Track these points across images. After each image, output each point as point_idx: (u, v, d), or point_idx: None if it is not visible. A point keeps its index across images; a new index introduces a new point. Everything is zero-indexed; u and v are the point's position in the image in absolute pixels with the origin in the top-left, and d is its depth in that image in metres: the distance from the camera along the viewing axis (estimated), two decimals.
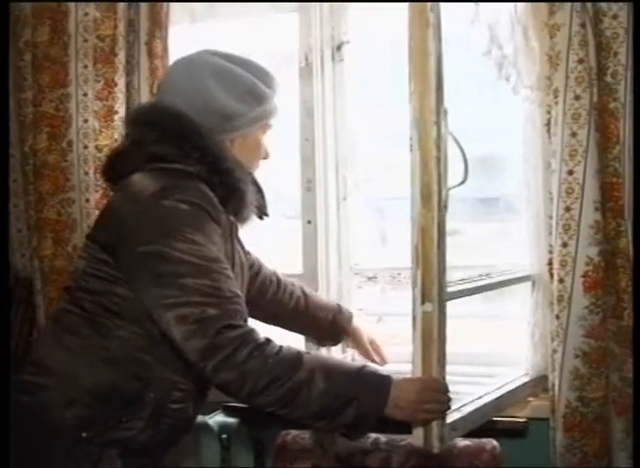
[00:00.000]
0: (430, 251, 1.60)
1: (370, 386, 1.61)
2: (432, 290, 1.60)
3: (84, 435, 1.62)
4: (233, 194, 1.71)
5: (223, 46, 2.26)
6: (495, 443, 2.01)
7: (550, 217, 1.94)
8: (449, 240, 2.56)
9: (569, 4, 1.86)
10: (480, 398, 1.95)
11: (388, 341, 2.22)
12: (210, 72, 1.74)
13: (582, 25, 1.86)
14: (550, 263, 1.95)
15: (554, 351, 1.93)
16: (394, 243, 2.54)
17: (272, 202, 2.53)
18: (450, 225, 2.55)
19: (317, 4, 2.28)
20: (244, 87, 1.75)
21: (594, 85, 1.88)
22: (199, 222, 1.62)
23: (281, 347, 1.60)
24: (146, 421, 1.66)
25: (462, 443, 2.02)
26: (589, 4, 1.87)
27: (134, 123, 1.79)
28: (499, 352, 2.24)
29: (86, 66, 2.27)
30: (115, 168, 1.77)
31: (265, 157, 1.86)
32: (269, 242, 2.52)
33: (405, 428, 1.70)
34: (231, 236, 1.77)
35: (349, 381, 1.60)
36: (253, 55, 2.19)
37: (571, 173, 1.89)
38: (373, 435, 2.08)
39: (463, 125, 2.30)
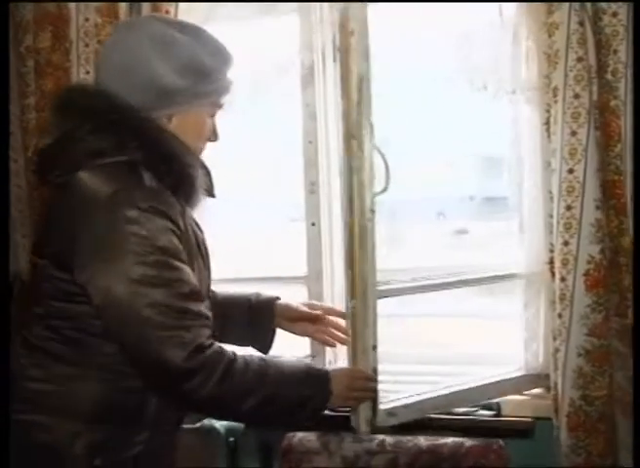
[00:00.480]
0: (356, 252, 1.80)
1: (319, 384, 1.69)
2: (358, 288, 1.80)
3: (97, 462, 1.56)
4: (183, 181, 1.59)
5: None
6: (501, 442, 2.01)
7: (550, 216, 1.94)
8: (457, 240, 2.57)
9: (567, 4, 1.86)
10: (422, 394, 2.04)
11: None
12: (148, 40, 1.60)
13: (581, 23, 1.86)
14: (551, 262, 1.95)
15: (557, 350, 1.93)
16: (403, 244, 2.54)
17: (276, 205, 2.58)
18: (458, 225, 2.57)
19: (317, 4, 2.28)
20: (184, 59, 1.60)
21: (594, 83, 1.88)
22: (161, 233, 1.51)
23: (246, 361, 1.60)
24: (151, 431, 1.62)
25: (469, 443, 2.02)
26: (588, 2, 1.86)
27: (62, 111, 1.63)
28: (492, 351, 2.26)
29: (88, 72, 2.27)
30: (50, 165, 1.61)
31: (213, 139, 1.73)
32: (274, 244, 2.53)
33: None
34: (186, 222, 1.62)
35: (304, 383, 1.67)
36: (254, 57, 2.25)
37: (571, 171, 1.88)
38: (379, 436, 2.08)
39: (463, 126, 2.34)
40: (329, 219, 2.31)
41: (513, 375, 2.12)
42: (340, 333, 1.96)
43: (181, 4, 2.27)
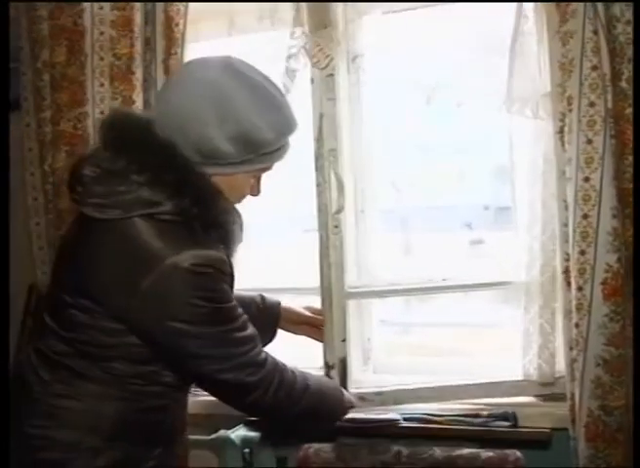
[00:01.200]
0: (322, 261, 2.24)
1: (337, 393, 1.99)
2: (327, 290, 2.23)
3: None
4: (227, 236, 1.66)
5: None
6: (518, 454, 2.00)
7: (565, 225, 1.93)
8: (473, 250, 2.56)
9: (581, 12, 1.85)
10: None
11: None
12: (210, 95, 1.59)
13: (595, 32, 1.86)
14: (567, 271, 1.93)
15: (574, 360, 1.91)
16: (418, 253, 2.54)
17: (291, 216, 2.58)
18: (474, 236, 2.56)
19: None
20: (241, 127, 1.59)
21: (608, 91, 1.87)
22: (214, 285, 1.62)
23: (292, 370, 1.80)
24: (164, 447, 1.71)
25: (485, 454, 2.01)
26: (602, 10, 1.86)
27: (116, 145, 1.63)
28: (494, 358, 2.32)
29: (102, 85, 2.29)
30: (96, 196, 1.62)
31: (254, 194, 1.77)
32: (287, 255, 2.54)
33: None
34: (231, 267, 1.71)
35: (331, 394, 1.96)
36: (268, 68, 2.25)
37: (587, 180, 1.88)
38: (395, 447, 2.08)
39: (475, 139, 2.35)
40: (343, 229, 2.31)
41: (504, 380, 2.15)
42: None
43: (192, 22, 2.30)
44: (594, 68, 1.87)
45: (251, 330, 1.70)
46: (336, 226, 2.21)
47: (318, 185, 2.21)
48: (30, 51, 2.40)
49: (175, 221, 1.59)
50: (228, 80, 1.61)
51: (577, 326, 1.90)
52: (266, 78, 1.67)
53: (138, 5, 2.30)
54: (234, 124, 1.58)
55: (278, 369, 1.75)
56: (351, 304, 2.28)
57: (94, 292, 1.60)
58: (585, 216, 1.88)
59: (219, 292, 1.63)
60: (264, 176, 1.77)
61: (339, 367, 2.23)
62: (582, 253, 1.88)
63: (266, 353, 1.75)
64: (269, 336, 2.04)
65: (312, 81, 2.21)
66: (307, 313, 2.17)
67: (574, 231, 1.89)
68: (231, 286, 1.69)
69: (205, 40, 2.38)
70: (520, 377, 2.11)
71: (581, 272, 1.88)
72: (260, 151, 1.63)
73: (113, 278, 1.59)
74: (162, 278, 1.55)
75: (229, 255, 1.68)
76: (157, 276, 1.55)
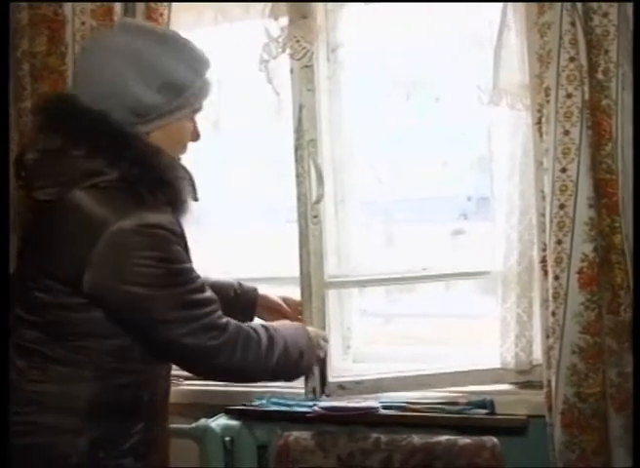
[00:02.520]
0: (301, 249, 2.23)
1: (306, 335, 1.92)
2: (305, 280, 2.22)
3: (101, 455, 1.63)
4: (174, 194, 1.66)
5: (220, 51, 2.32)
6: (495, 440, 2.03)
7: (543, 215, 1.95)
8: (454, 240, 2.57)
9: (559, 4, 1.87)
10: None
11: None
12: (122, 58, 1.63)
13: (572, 24, 1.88)
14: (544, 261, 1.96)
15: (550, 348, 1.94)
16: (399, 244, 2.56)
17: (273, 206, 2.59)
18: (455, 226, 2.58)
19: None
20: (161, 75, 1.65)
21: (585, 83, 1.89)
22: (165, 245, 1.61)
23: (253, 328, 1.77)
24: (145, 421, 1.69)
25: (463, 441, 2.04)
26: (579, 2, 1.88)
27: (51, 126, 1.66)
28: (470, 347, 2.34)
29: None
30: (40, 180, 1.65)
31: (195, 140, 1.80)
32: (269, 245, 2.55)
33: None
34: (181, 228, 1.70)
35: (298, 336, 1.88)
36: (247, 59, 2.26)
37: (564, 170, 1.90)
38: (374, 435, 2.09)
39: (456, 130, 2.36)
40: (323, 219, 2.31)
41: (484, 368, 2.18)
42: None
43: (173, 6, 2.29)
44: (572, 60, 1.89)
45: (209, 293, 1.69)
46: (315, 216, 2.21)
47: (298, 176, 2.21)
48: (10, 40, 2.39)
49: (119, 188, 1.61)
50: (133, 37, 1.66)
51: (553, 314, 1.92)
52: (164, 28, 1.79)
53: None
54: (154, 74, 1.64)
55: (242, 330, 1.72)
56: (331, 294, 2.29)
57: (51, 269, 1.61)
58: (562, 207, 1.90)
59: (170, 253, 1.61)
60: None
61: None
62: (559, 242, 1.90)
63: (227, 317, 1.72)
64: (246, 321, 2.03)
65: (292, 71, 2.20)
66: (281, 302, 2.17)
67: (550, 221, 1.91)
68: (185, 247, 1.68)
69: (190, 29, 2.36)
70: (498, 365, 2.14)
71: (558, 261, 1.91)
72: (185, 93, 1.68)
73: (65, 253, 1.61)
74: (109, 244, 1.56)
75: (181, 215, 1.68)
76: (104, 243, 1.56)
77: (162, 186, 1.63)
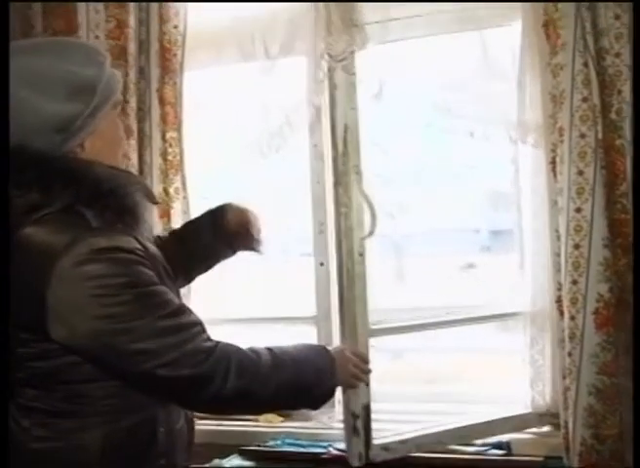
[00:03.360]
0: (344, 294, 1.93)
1: (326, 358, 1.71)
2: (347, 327, 1.94)
3: None
4: (123, 208, 1.52)
5: (233, 91, 2.35)
6: None
7: (557, 255, 1.95)
8: (464, 274, 2.56)
9: (571, 45, 1.88)
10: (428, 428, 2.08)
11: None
12: (18, 80, 1.49)
13: (585, 64, 1.89)
14: (559, 301, 1.95)
15: (567, 388, 1.93)
16: (412, 280, 2.55)
17: (286, 241, 2.59)
18: (465, 259, 2.58)
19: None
20: (63, 83, 1.50)
21: (599, 123, 1.89)
22: (125, 268, 1.47)
23: (253, 350, 1.60)
24: (166, 457, 1.59)
25: None
26: (591, 43, 1.89)
27: None
28: (498, 389, 2.28)
29: (97, 37, 2.29)
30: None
31: (128, 133, 1.74)
32: (284, 283, 2.55)
33: None
34: (144, 244, 1.55)
35: (314, 360, 1.69)
36: (261, 99, 2.28)
37: (579, 210, 1.90)
38: None
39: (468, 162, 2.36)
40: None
41: (518, 413, 2.12)
42: None
43: (187, 45, 2.31)
44: (585, 100, 1.90)
45: (190, 316, 1.53)
46: (360, 254, 1.94)
47: (341, 206, 1.93)
48: None
49: (62, 216, 1.48)
50: (19, 58, 1.52)
51: (569, 355, 1.91)
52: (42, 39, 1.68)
53: (132, 34, 2.32)
54: (55, 84, 1.50)
55: (233, 351, 1.56)
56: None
57: (17, 319, 1.50)
58: (577, 247, 1.90)
59: (132, 276, 1.46)
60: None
61: (363, 415, 1.96)
62: (574, 282, 1.90)
63: (216, 340, 1.56)
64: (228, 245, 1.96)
65: (335, 87, 1.95)
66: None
67: (566, 261, 1.91)
68: (154, 266, 1.53)
69: (195, 69, 2.39)
70: (528, 409, 2.11)
71: (573, 302, 1.90)
72: (96, 90, 1.54)
73: (24, 298, 1.48)
74: (61, 279, 1.43)
75: (138, 224, 1.54)
76: (56, 279, 1.43)
77: (106, 202, 1.49)
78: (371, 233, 1.94)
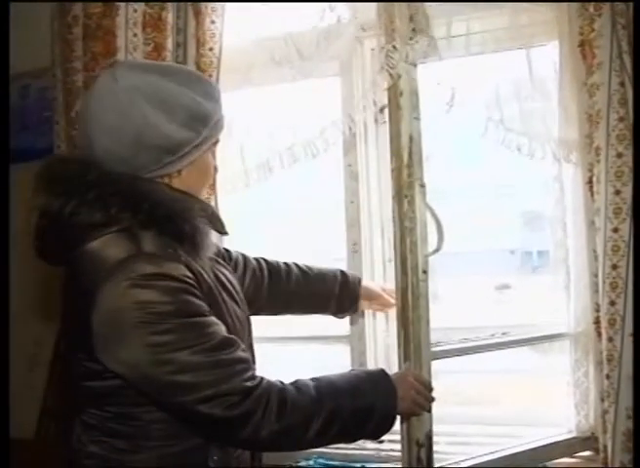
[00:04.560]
0: (408, 313, 1.77)
1: (381, 386, 1.64)
2: (411, 349, 1.77)
3: None
4: (184, 237, 1.52)
5: (269, 111, 2.36)
6: None
7: (595, 276, 1.93)
8: (499, 295, 2.54)
9: (607, 64, 1.88)
10: (484, 455, 1.98)
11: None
12: (141, 96, 1.53)
13: (622, 84, 1.88)
14: (597, 322, 1.93)
15: (605, 412, 1.90)
16: (443, 300, 2.54)
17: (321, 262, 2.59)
18: (499, 280, 2.56)
19: (360, 68, 2.33)
20: (185, 109, 1.56)
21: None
22: (170, 296, 1.45)
23: (297, 386, 1.57)
24: None
25: None
26: (628, 62, 1.87)
27: (48, 188, 1.54)
28: (541, 412, 2.22)
29: (135, 34, 2.32)
30: (53, 246, 1.57)
31: (215, 173, 1.74)
32: None
33: None
34: (196, 270, 1.54)
35: (366, 389, 1.62)
36: (296, 119, 2.29)
37: (616, 230, 1.88)
38: None
39: (503, 182, 2.35)
40: (371, 279, 2.32)
41: (565, 437, 2.07)
42: None
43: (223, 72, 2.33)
44: (621, 119, 1.89)
45: (235, 353, 1.50)
46: (424, 271, 1.80)
47: (409, 221, 1.79)
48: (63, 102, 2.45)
49: (114, 237, 1.49)
50: (142, 75, 1.56)
51: (607, 377, 1.89)
52: (165, 63, 1.77)
53: (169, 57, 2.34)
54: (177, 109, 1.55)
55: (275, 393, 1.51)
56: (380, 351, 2.28)
57: (73, 337, 1.56)
58: (615, 267, 1.88)
59: (177, 304, 1.45)
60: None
61: (426, 444, 1.81)
62: (612, 303, 1.88)
63: (260, 378, 1.53)
64: (350, 312, 2.12)
65: (401, 94, 1.81)
66: (384, 294, 2.13)
67: (603, 282, 1.89)
68: (206, 296, 1.52)
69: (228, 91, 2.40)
70: (573, 433, 2.08)
71: (611, 323, 1.88)
72: (210, 123, 1.60)
73: (75, 315, 1.52)
74: (105, 304, 1.44)
75: (197, 256, 1.54)
76: (100, 303, 1.44)
77: (162, 227, 1.50)
78: (437, 250, 1.81)
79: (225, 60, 2.31)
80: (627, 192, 1.87)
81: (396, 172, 1.80)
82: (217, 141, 1.68)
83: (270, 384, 1.53)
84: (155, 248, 1.48)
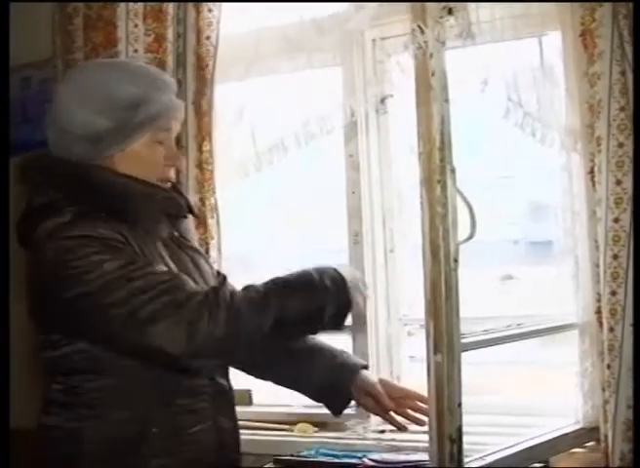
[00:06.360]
0: (439, 303, 1.64)
1: (331, 287, 1.58)
2: (443, 341, 1.63)
3: None
4: (120, 220, 1.58)
5: (267, 102, 2.36)
6: None
7: (597, 266, 1.92)
8: (503, 285, 2.55)
9: (608, 54, 1.87)
10: (510, 447, 1.89)
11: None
12: (66, 89, 1.64)
13: (622, 73, 1.87)
14: (599, 312, 1.93)
15: (606, 402, 1.90)
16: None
17: (322, 254, 2.60)
18: (503, 270, 2.55)
19: (360, 59, 2.33)
20: (104, 98, 1.60)
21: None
22: (102, 247, 1.52)
23: (246, 290, 1.54)
24: (161, 456, 1.59)
25: None
26: (629, 52, 1.87)
27: (17, 179, 1.68)
28: (547, 402, 2.21)
29: (136, 25, 2.33)
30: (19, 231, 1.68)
31: (171, 163, 1.69)
32: None
33: None
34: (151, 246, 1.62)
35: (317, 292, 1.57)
36: (297, 110, 2.29)
37: (617, 220, 1.87)
38: None
39: (506, 172, 2.35)
40: (373, 269, 2.33)
41: (573, 428, 2.05)
42: (418, 415, 1.82)
43: (223, 63, 2.33)
44: (622, 109, 1.87)
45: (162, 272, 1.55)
46: (455, 260, 1.66)
47: (441, 206, 1.65)
48: None
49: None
50: (79, 73, 1.74)
51: (608, 367, 1.88)
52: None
53: (170, 48, 2.34)
54: (100, 99, 1.59)
55: (220, 293, 1.51)
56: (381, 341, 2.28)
57: (29, 310, 1.63)
58: (615, 257, 1.87)
59: (98, 255, 1.51)
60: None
61: (457, 438, 1.68)
62: (613, 293, 1.87)
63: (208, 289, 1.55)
64: (341, 400, 1.85)
65: (433, 74, 1.66)
66: (380, 389, 1.82)
67: (604, 272, 1.89)
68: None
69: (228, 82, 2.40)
70: (580, 424, 2.04)
71: (612, 313, 1.87)
72: (136, 111, 1.60)
73: (28, 287, 1.63)
74: (36, 270, 1.58)
75: (144, 231, 1.61)
76: (35, 273, 1.59)
77: (114, 212, 1.58)
78: (470, 237, 1.70)
79: (227, 50, 2.31)
80: (628, 182, 1.86)
81: (426, 155, 1.66)
82: (163, 129, 1.65)
83: (215, 291, 1.52)
84: (83, 222, 1.55)
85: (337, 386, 1.81)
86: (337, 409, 1.86)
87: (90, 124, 1.59)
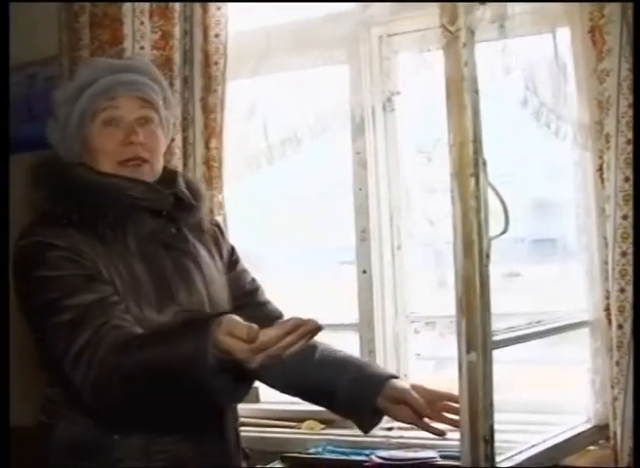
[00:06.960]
0: (473, 300, 1.55)
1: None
2: (476, 339, 1.55)
3: None
4: (97, 217, 1.58)
5: (276, 99, 2.36)
6: None
7: (606, 263, 1.92)
8: (508, 283, 2.54)
9: (617, 51, 1.87)
10: (534, 446, 1.85)
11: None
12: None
13: (631, 70, 1.86)
14: (608, 309, 1.93)
15: (615, 399, 1.90)
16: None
17: (327, 249, 2.60)
18: (508, 268, 2.55)
19: (367, 56, 2.33)
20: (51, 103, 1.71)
21: None
22: (42, 259, 1.53)
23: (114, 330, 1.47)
24: (126, 460, 1.54)
25: None
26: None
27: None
28: (559, 399, 2.20)
29: (142, 22, 2.33)
30: None
31: (130, 141, 1.62)
32: (325, 290, 2.55)
33: None
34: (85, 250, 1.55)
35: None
36: (305, 107, 2.29)
37: (625, 217, 1.87)
38: None
39: (513, 169, 2.34)
40: (380, 266, 2.33)
41: (587, 427, 2.04)
42: (453, 417, 1.66)
43: (230, 61, 2.33)
44: (631, 106, 1.87)
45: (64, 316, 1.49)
46: (487, 256, 1.58)
47: (474, 200, 1.54)
48: None
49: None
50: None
51: (617, 364, 1.88)
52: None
53: (177, 45, 2.34)
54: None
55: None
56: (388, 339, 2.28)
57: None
58: (624, 254, 1.87)
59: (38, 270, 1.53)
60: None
61: (490, 438, 1.60)
62: (622, 290, 1.87)
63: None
64: (368, 414, 1.72)
65: (466, 64, 1.54)
66: (414, 395, 1.68)
67: (613, 269, 1.89)
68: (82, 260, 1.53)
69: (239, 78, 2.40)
70: (592, 422, 2.04)
71: (621, 310, 1.87)
72: (81, 96, 1.63)
73: None
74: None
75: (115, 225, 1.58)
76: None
77: (79, 209, 1.58)
78: (504, 231, 1.65)
79: (237, 48, 2.31)
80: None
81: (458, 148, 1.56)
82: (100, 109, 1.62)
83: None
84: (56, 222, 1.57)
85: (362, 398, 1.69)
86: (364, 423, 1.75)
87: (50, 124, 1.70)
